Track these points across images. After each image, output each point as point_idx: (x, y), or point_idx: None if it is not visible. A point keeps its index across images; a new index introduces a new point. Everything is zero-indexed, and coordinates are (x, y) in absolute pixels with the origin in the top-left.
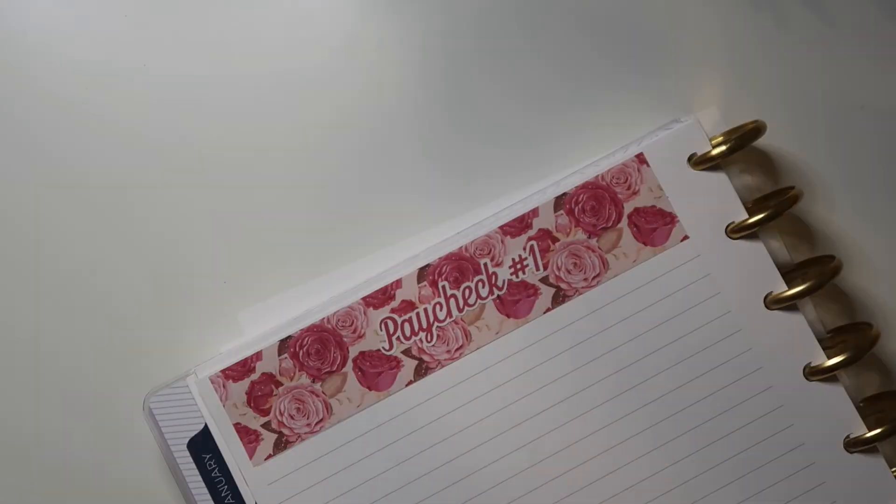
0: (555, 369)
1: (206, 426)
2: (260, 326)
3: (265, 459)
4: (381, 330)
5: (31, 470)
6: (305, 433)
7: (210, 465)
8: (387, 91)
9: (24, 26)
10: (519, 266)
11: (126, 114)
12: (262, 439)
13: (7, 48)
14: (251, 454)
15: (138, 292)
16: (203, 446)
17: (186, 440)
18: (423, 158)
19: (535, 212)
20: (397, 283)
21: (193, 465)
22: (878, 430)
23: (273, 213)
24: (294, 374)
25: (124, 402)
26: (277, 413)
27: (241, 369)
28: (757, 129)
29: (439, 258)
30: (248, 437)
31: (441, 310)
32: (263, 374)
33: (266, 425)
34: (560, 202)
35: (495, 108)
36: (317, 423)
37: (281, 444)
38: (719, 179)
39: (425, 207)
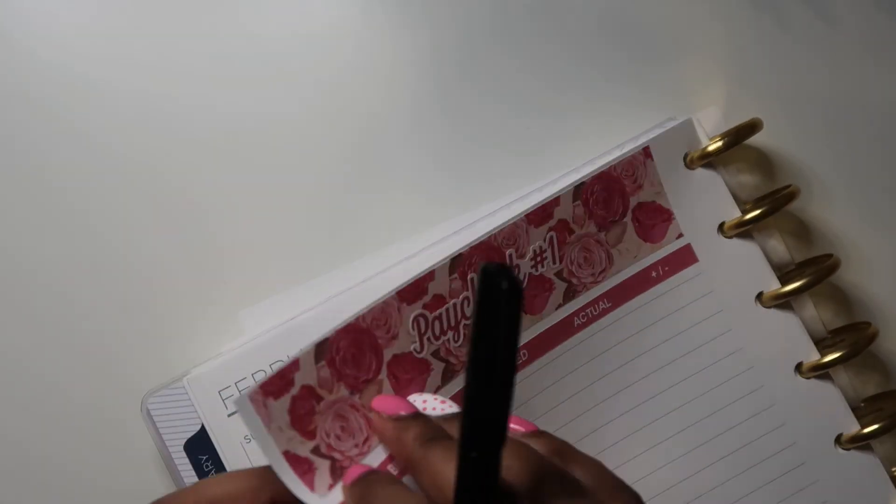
0: (552, 370)
1: (202, 427)
2: (260, 326)
3: (329, 489)
4: (413, 329)
5: (30, 470)
6: (356, 455)
7: (207, 465)
8: (390, 91)
9: (20, 27)
10: (539, 258)
11: (124, 115)
12: (317, 468)
13: (2, 51)
14: (311, 486)
15: (139, 292)
16: (200, 447)
17: (184, 441)
18: (425, 157)
19: (556, 201)
20: (430, 275)
21: (190, 466)
22: (873, 427)
23: (273, 213)
24: (333, 385)
25: (123, 402)
26: (324, 435)
27: (279, 383)
28: (752, 126)
29: (471, 247)
30: (301, 467)
31: (468, 305)
32: (303, 387)
33: (315, 451)
34: (578, 192)
35: (496, 109)
36: (364, 443)
37: (336, 472)
38: (712, 178)
39: (425, 207)
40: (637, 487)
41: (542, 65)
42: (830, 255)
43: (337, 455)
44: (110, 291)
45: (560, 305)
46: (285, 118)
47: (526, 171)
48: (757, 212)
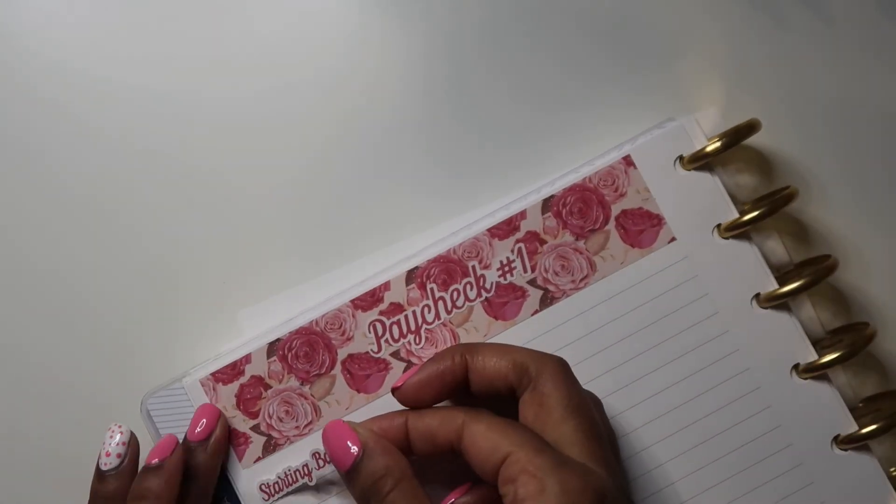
0: None
1: None
2: (259, 326)
3: (254, 462)
4: (370, 332)
5: (30, 470)
6: (294, 435)
7: None
8: (386, 95)
9: (19, 29)
10: (507, 268)
11: (125, 115)
12: (252, 442)
13: (1, 52)
14: (240, 456)
15: (138, 293)
16: None
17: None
18: (422, 160)
19: (522, 214)
20: (385, 286)
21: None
22: (871, 428)
23: (272, 213)
24: (283, 376)
25: (123, 402)
26: (266, 416)
27: (230, 372)
28: (751, 126)
29: (427, 260)
30: (238, 439)
31: (429, 312)
32: (252, 376)
33: (255, 428)
34: (547, 204)
35: (496, 109)
36: (305, 426)
37: (270, 447)
38: (708, 179)
39: (424, 208)
40: (634, 486)
41: (542, 66)
42: (829, 256)
43: (275, 434)
44: (110, 292)
45: (536, 312)
46: (285, 118)
47: (526, 171)
48: (755, 213)
